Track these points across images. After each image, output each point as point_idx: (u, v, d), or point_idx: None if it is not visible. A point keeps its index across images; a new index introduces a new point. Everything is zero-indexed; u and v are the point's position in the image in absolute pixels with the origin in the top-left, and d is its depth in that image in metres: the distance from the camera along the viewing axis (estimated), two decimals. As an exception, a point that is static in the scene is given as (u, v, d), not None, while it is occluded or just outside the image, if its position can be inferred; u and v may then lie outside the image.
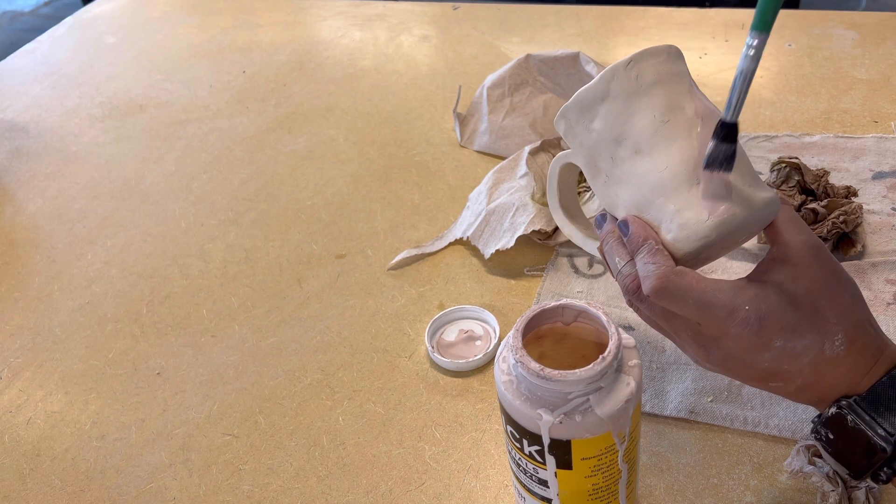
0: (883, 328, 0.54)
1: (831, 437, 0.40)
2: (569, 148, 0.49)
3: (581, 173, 0.73)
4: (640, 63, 0.43)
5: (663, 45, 0.44)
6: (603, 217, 0.47)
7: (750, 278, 0.42)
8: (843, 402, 0.40)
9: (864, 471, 0.40)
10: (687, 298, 0.40)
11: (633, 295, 0.44)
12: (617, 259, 0.44)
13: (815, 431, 0.42)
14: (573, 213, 0.54)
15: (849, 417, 0.40)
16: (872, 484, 0.46)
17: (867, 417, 0.39)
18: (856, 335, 0.41)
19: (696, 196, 0.42)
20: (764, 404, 0.51)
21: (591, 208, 0.67)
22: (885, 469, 0.39)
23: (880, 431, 0.38)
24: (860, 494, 0.45)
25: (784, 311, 0.40)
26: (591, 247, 0.52)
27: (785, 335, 0.40)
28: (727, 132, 0.41)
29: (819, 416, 0.41)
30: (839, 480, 0.45)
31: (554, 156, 0.73)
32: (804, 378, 0.41)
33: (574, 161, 0.48)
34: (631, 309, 0.61)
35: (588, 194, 0.68)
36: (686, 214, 0.42)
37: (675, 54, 0.45)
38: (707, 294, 0.40)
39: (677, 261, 0.42)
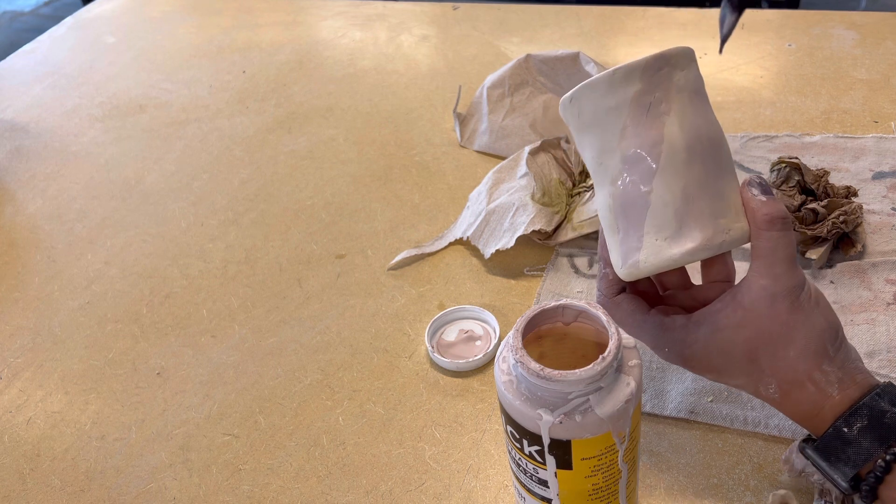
0: (882, 328, 0.55)
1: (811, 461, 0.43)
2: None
3: (581, 173, 0.73)
4: (580, 100, 0.42)
5: (607, 73, 0.41)
6: None
7: (692, 316, 0.44)
8: (802, 445, 0.42)
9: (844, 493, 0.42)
10: (622, 326, 0.46)
11: None
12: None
13: (800, 451, 0.44)
14: None
15: (810, 458, 0.42)
16: None
17: (824, 463, 0.41)
18: (790, 390, 0.42)
19: (617, 242, 0.44)
20: (764, 404, 0.51)
21: (590, 209, 0.67)
22: (864, 497, 0.40)
23: (836, 476, 0.40)
24: None
25: (710, 357, 0.43)
26: None
27: (712, 374, 0.44)
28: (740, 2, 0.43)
29: (801, 444, 0.43)
30: None
31: (554, 156, 0.73)
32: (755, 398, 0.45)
33: None
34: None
35: (588, 195, 0.68)
36: (612, 255, 0.45)
37: (618, 81, 0.41)
38: (633, 330, 0.46)
39: (626, 277, 0.44)
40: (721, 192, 0.42)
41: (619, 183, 0.42)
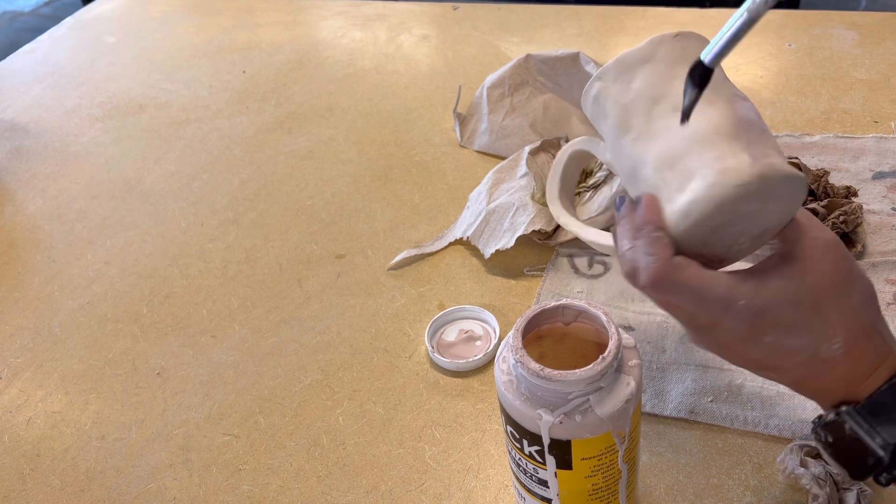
0: (883, 328, 0.54)
1: (830, 440, 0.40)
2: (566, 151, 0.50)
3: (582, 173, 0.73)
4: (687, 39, 0.44)
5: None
6: (622, 199, 0.46)
7: (753, 270, 0.41)
8: (843, 409, 0.40)
9: (862, 473, 0.39)
10: (682, 293, 0.40)
11: (631, 280, 0.42)
12: (624, 242, 0.42)
13: (814, 432, 0.41)
14: (570, 203, 0.54)
15: (847, 424, 0.39)
16: (865, 487, 0.46)
17: (865, 426, 0.39)
18: (856, 340, 0.40)
19: (739, 147, 0.41)
20: (764, 404, 0.51)
21: (591, 208, 0.67)
22: (884, 475, 0.39)
23: (878, 440, 0.38)
24: (850, 497, 0.45)
25: (781, 309, 0.40)
26: (590, 234, 0.50)
27: (778, 332, 0.40)
28: (702, 76, 0.38)
29: (819, 417, 0.41)
30: (828, 482, 0.45)
31: (554, 156, 0.73)
32: (797, 374, 0.41)
33: (585, 147, 0.49)
34: (631, 309, 0.61)
35: (588, 194, 0.68)
36: (728, 161, 0.40)
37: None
38: (703, 289, 0.39)
39: (699, 219, 0.40)
40: None
41: (738, 104, 0.43)
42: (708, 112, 0.42)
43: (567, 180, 0.52)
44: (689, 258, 0.40)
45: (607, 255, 0.66)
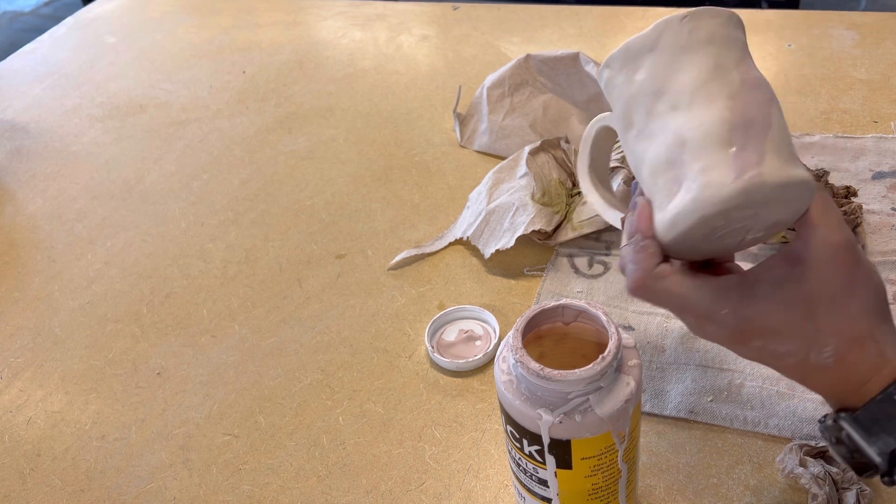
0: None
1: (833, 441, 0.40)
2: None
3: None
4: (697, 19, 0.42)
5: (725, 9, 0.43)
6: (635, 185, 0.46)
7: (746, 275, 0.41)
8: (841, 415, 0.39)
9: (865, 474, 0.39)
10: (663, 301, 0.41)
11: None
12: (623, 240, 0.44)
13: (819, 431, 0.41)
14: (602, 180, 0.51)
15: (844, 431, 0.39)
16: (864, 486, 0.46)
17: (862, 433, 0.38)
18: (848, 350, 0.39)
19: (726, 158, 0.40)
20: (764, 404, 0.51)
21: (590, 209, 0.66)
22: (885, 478, 0.38)
23: (874, 448, 0.38)
24: (850, 497, 0.45)
25: (768, 315, 0.40)
26: (612, 216, 0.49)
27: (765, 338, 0.40)
28: None
29: (823, 417, 0.41)
30: (828, 482, 0.45)
31: (554, 156, 0.73)
32: (790, 374, 0.41)
33: (611, 124, 0.47)
34: (631, 309, 0.61)
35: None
36: (712, 174, 0.40)
37: (734, 21, 0.43)
38: (684, 298, 0.41)
39: (686, 230, 0.40)
40: None
41: (741, 98, 0.41)
42: (703, 114, 0.41)
43: (598, 155, 0.51)
44: (674, 265, 0.42)
45: (607, 255, 0.66)
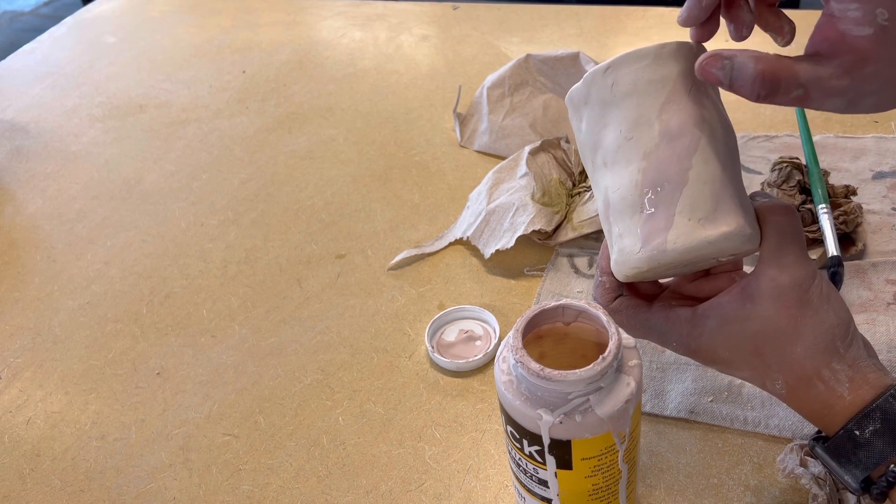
0: (882, 328, 0.55)
1: (816, 459, 0.42)
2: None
3: (581, 172, 0.73)
4: (618, 70, 0.40)
5: (654, 46, 0.40)
6: None
7: (697, 309, 0.43)
8: (814, 443, 0.41)
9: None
10: (625, 329, 0.45)
11: None
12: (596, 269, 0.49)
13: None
14: None
15: (819, 458, 0.41)
16: None
17: (834, 461, 0.40)
18: (798, 386, 0.40)
19: (636, 225, 0.41)
20: (764, 404, 0.51)
21: (590, 209, 0.66)
22: (867, 496, 0.39)
23: (848, 477, 0.39)
24: (850, 497, 0.45)
25: (716, 349, 0.42)
26: None
27: (719, 365, 0.43)
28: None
29: (811, 438, 0.42)
30: (828, 482, 0.45)
31: (554, 156, 0.73)
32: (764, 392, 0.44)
33: None
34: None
35: (588, 194, 0.68)
36: (625, 241, 0.42)
37: (665, 56, 0.40)
38: (638, 331, 0.46)
39: (626, 279, 0.43)
40: (742, 189, 0.41)
41: (655, 157, 0.40)
42: (621, 175, 0.41)
43: None
44: (627, 301, 0.46)
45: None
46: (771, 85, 0.36)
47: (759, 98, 0.36)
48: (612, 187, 0.42)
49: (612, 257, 0.43)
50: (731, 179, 0.40)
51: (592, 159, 0.43)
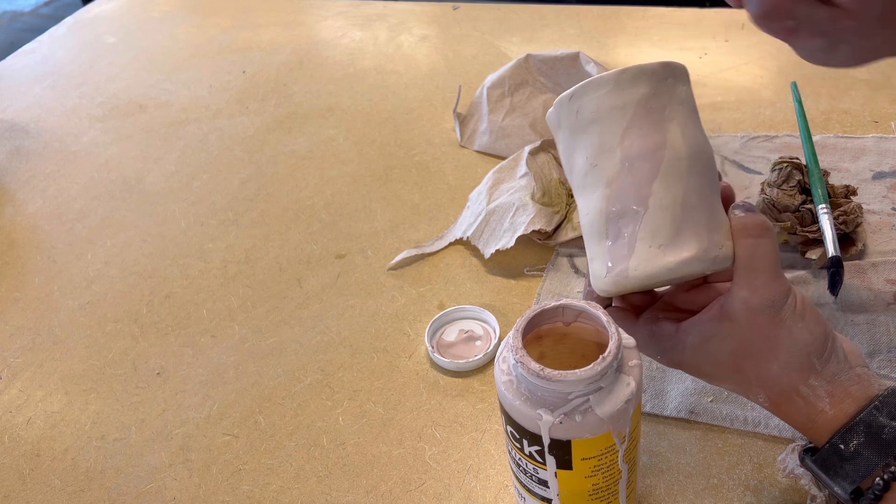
0: (882, 328, 0.55)
1: (807, 469, 0.42)
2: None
3: None
4: (581, 97, 0.41)
5: (615, 72, 0.40)
6: None
7: (681, 325, 0.43)
8: (804, 455, 0.41)
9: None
10: None
11: None
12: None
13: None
14: None
15: (810, 470, 0.41)
16: None
17: (823, 473, 0.40)
18: (779, 401, 0.41)
19: (603, 250, 0.42)
20: (764, 404, 0.51)
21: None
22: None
23: (836, 489, 0.39)
24: None
25: (698, 364, 0.43)
26: None
27: (704, 377, 0.44)
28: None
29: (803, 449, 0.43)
30: None
31: (554, 156, 0.73)
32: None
33: None
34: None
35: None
36: (594, 264, 0.43)
37: (625, 82, 0.40)
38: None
39: (607, 294, 0.44)
40: (714, 208, 0.41)
41: (616, 184, 0.41)
42: (589, 201, 0.42)
43: None
44: (618, 310, 0.47)
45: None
46: (771, 6, 0.39)
47: (756, 17, 0.40)
48: (583, 212, 0.43)
49: (589, 278, 0.45)
50: (698, 201, 0.41)
51: (570, 180, 0.45)
